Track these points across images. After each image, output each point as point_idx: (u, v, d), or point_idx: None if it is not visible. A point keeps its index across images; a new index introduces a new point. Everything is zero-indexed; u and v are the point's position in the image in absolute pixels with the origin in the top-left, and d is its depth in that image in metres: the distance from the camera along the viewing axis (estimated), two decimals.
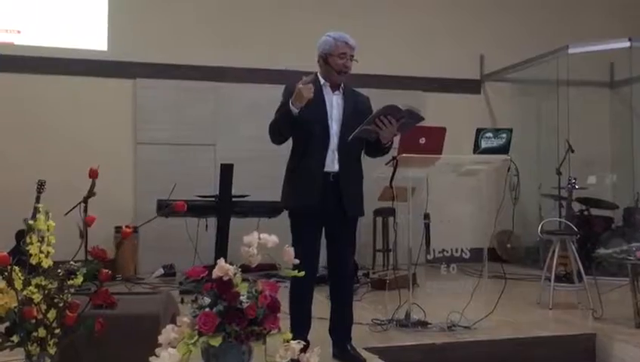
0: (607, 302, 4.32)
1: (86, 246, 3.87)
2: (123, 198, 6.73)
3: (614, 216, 7.26)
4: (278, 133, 3.25)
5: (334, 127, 3.23)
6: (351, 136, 3.16)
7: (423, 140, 3.52)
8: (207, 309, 2.12)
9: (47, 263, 2.30)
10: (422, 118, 3.30)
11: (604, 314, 4.21)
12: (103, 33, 6.91)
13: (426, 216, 3.96)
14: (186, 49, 6.99)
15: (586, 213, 7.16)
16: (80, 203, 4.86)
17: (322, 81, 3.29)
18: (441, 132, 3.59)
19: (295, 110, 3.10)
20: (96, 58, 6.83)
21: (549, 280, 4.78)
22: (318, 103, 3.22)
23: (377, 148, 3.30)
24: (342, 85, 3.31)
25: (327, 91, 3.27)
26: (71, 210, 4.87)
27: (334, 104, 3.26)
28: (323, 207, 3.18)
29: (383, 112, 3.14)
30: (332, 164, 3.21)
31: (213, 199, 5.88)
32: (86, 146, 6.53)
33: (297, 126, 3.23)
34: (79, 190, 3.93)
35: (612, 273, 5.47)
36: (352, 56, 3.26)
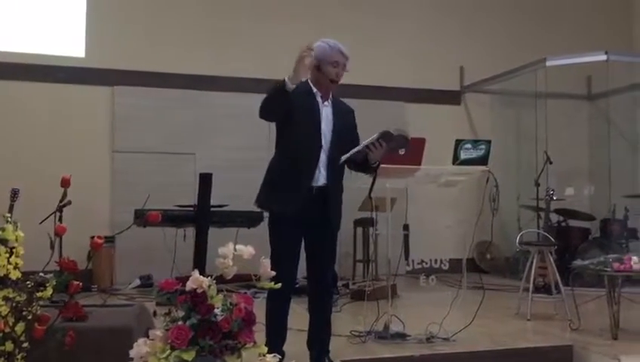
0: (584, 313, 4.33)
1: (60, 256, 3.78)
2: (100, 208, 6.64)
3: (591, 227, 7.33)
4: (270, 110, 3.09)
5: (322, 139, 3.21)
6: (343, 159, 3.17)
7: (402, 151, 3.51)
8: (180, 322, 2.07)
9: (15, 275, 2.24)
10: (408, 141, 3.34)
11: (581, 325, 4.23)
12: (80, 39, 6.83)
13: (405, 227, 3.95)
14: (165, 57, 6.93)
15: (563, 224, 7.23)
16: (54, 212, 4.76)
17: (314, 89, 3.25)
18: (420, 143, 3.58)
19: (291, 86, 2.96)
20: (74, 65, 6.74)
21: (528, 291, 4.79)
22: (311, 112, 3.19)
23: (364, 167, 3.31)
24: (330, 95, 3.29)
25: (318, 101, 3.24)
26: (45, 219, 4.77)
27: (324, 115, 3.24)
28: (306, 218, 3.14)
29: (377, 138, 3.16)
30: (318, 176, 3.18)
31: (191, 209, 5.81)
32: (63, 154, 6.45)
33: (289, 127, 3.18)
34: (55, 198, 3.85)
35: (591, 284, 5.50)
36: (345, 65, 3.24)
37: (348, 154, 3.16)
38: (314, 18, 7.29)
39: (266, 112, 3.11)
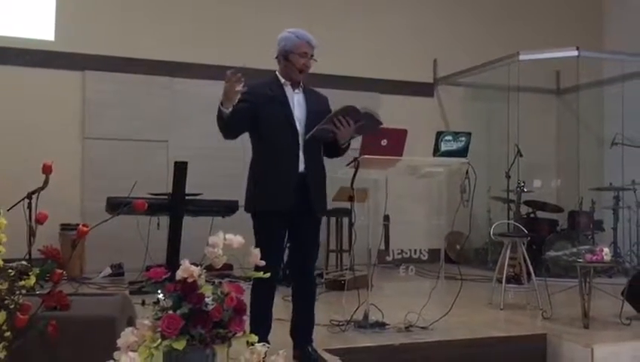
0: (554, 303, 4.43)
1: (29, 245, 3.69)
2: (69, 195, 6.48)
3: (559, 219, 7.51)
4: (223, 130, 3.14)
5: (297, 126, 3.18)
6: (308, 135, 3.13)
7: (384, 142, 3.53)
8: (170, 312, 2.04)
9: None
10: (380, 123, 3.28)
11: (553, 315, 4.33)
12: (50, 21, 6.63)
13: (386, 218, 3.98)
14: (138, 42, 6.80)
15: (532, 215, 7.38)
16: (24, 198, 4.65)
17: (282, 79, 3.24)
18: (402, 134, 3.61)
19: (226, 111, 3.00)
20: (43, 48, 6.55)
21: (499, 281, 4.88)
22: (281, 102, 3.18)
23: (334, 149, 3.27)
24: (301, 83, 3.28)
25: (288, 90, 3.23)
26: (14, 205, 4.65)
27: (295, 103, 3.22)
28: (290, 208, 3.13)
29: (341, 112, 3.13)
30: (297, 163, 3.17)
31: (165, 197, 5.74)
32: (31, 140, 6.28)
33: (262, 125, 3.16)
34: (23, 185, 3.76)
35: (557, 274, 5.66)
36: (312, 55, 3.23)
37: (312, 131, 3.12)
38: (288, 8, 7.24)
39: (223, 133, 3.15)
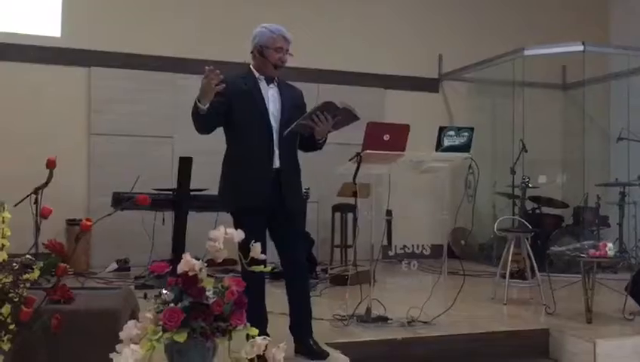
0: (558, 298, 4.43)
1: (36, 240, 3.73)
2: (75, 190, 6.54)
3: (564, 215, 7.49)
4: (198, 127, 3.13)
5: (272, 121, 3.17)
6: (287, 131, 3.12)
7: (387, 137, 3.54)
8: (171, 305, 2.07)
9: (1, 257, 2.21)
10: (357, 118, 3.21)
11: (556, 310, 4.33)
12: (56, 18, 6.67)
13: (388, 213, 3.99)
14: (144, 38, 6.83)
15: (537, 211, 7.37)
16: (30, 194, 4.69)
17: (257, 74, 3.23)
18: (405, 129, 3.62)
19: (203, 107, 2.98)
20: (49, 44, 6.59)
21: (502, 277, 4.89)
22: (255, 97, 3.17)
23: (311, 144, 3.26)
24: (276, 78, 3.26)
25: (262, 85, 3.22)
26: (21, 201, 4.69)
27: (270, 97, 3.21)
28: (267, 204, 3.12)
29: (320, 108, 3.11)
30: (274, 158, 3.16)
31: (170, 192, 5.77)
32: (37, 136, 6.32)
33: (236, 120, 3.14)
34: (30, 180, 3.80)
35: (561, 269, 5.66)
36: (288, 50, 3.22)
37: (291, 127, 3.11)
38: (293, 3, 7.24)
39: (197, 129, 3.14)
